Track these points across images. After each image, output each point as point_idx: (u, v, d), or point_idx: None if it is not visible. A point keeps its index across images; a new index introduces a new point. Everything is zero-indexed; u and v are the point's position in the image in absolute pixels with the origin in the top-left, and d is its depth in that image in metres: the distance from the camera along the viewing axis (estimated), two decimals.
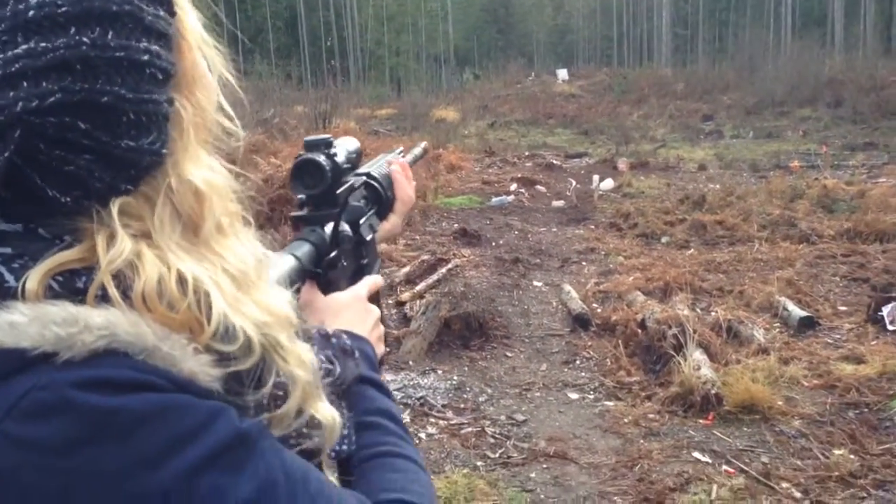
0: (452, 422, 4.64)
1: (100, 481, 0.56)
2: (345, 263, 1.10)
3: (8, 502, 0.56)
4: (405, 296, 6.64)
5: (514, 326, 6.24)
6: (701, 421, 4.49)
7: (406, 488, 0.83)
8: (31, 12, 0.57)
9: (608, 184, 12.53)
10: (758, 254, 7.90)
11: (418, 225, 9.71)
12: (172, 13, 0.67)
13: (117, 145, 0.62)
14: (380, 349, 1.06)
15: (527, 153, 17.31)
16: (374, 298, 1.14)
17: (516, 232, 9.70)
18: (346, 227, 1.10)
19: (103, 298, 0.60)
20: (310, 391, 0.73)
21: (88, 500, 0.56)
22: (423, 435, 4.45)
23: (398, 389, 5.02)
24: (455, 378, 5.24)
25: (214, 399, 0.63)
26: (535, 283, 7.53)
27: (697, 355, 4.96)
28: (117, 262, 0.61)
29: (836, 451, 4.05)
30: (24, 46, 0.57)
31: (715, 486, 3.79)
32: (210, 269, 0.67)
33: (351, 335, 0.98)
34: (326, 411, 0.76)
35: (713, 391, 4.58)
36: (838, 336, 5.69)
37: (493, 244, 9.03)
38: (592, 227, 9.98)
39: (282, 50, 49.45)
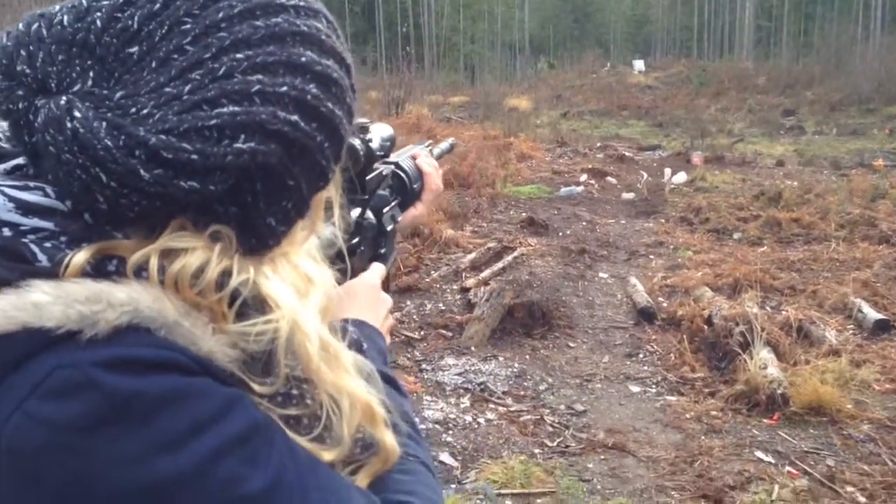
0: (512, 408, 4.66)
1: (118, 462, 0.57)
2: (363, 249, 1.11)
3: (29, 480, 0.57)
4: (470, 282, 6.67)
5: (578, 317, 6.21)
6: (765, 420, 4.41)
7: (415, 491, 0.83)
8: (311, 92, 0.67)
9: (681, 177, 12.29)
10: (834, 253, 7.67)
11: (486, 212, 9.72)
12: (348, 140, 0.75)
13: (263, 218, 0.68)
14: (387, 340, 1.06)
15: (599, 144, 17.10)
16: (384, 286, 1.15)
17: (584, 223, 9.62)
18: (370, 215, 1.11)
19: (118, 275, 0.62)
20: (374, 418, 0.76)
21: (106, 480, 0.57)
22: (482, 420, 4.48)
23: (459, 374, 5.06)
24: (516, 365, 5.25)
25: (231, 380, 0.64)
26: (601, 274, 7.48)
27: (765, 354, 4.86)
28: (175, 243, 0.63)
29: None
30: (295, 118, 0.65)
31: (777, 487, 3.72)
32: (305, 314, 0.69)
33: (362, 325, 0.98)
34: (390, 440, 0.77)
35: (779, 391, 4.49)
36: None
37: (561, 234, 8.98)
38: (662, 220, 9.83)
39: (358, 35, 49.92)
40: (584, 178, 12.48)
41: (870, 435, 4.20)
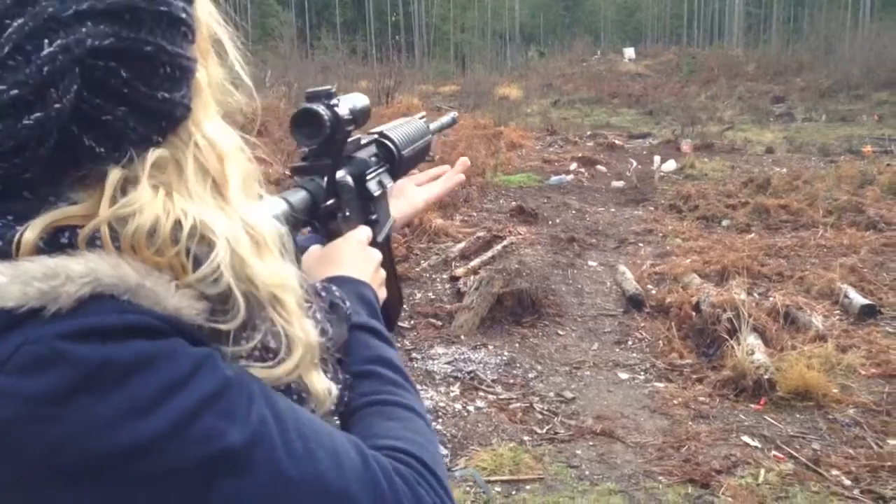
0: (501, 396, 4.69)
1: (95, 428, 0.57)
2: (347, 214, 1.10)
3: (5, 455, 0.57)
4: (459, 271, 6.69)
5: (567, 305, 6.24)
6: (752, 406, 4.45)
7: (400, 436, 0.82)
8: None
9: (670, 165, 12.33)
10: (821, 240, 7.72)
11: (476, 201, 9.73)
12: None
13: (153, 96, 0.65)
14: (382, 294, 1.07)
15: (589, 133, 17.12)
16: (383, 247, 1.15)
17: (573, 211, 9.65)
18: (346, 176, 1.10)
19: (70, 247, 0.61)
20: (308, 361, 0.74)
21: (85, 447, 0.57)
22: (471, 408, 4.51)
23: (449, 363, 5.09)
24: (506, 354, 5.27)
25: (200, 333, 0.65)
26: (590, 262, 7.51)
27: (752, 340, 4.90)
28: (123, 210, 0.63)
29: (891, 441, 3.98)
30: None
31: (763, 471, 3.77)
32: (231, 225, 0.68)
33: (349, 280, 0.98)
34: (320, 384, 0.76)
35: (766, 376, 4.52)
36: None
37: (550, 223, 9.01)
38: (651, 208, 9.87)
39: (348, 24, 49.76)
40: (573, 166, 12.50)
41: (855, 419, 4.24)
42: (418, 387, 3.90)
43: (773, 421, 4.27)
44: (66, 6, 0.60)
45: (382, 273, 1.10)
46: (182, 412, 0.60)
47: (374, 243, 1.13)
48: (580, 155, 13.47)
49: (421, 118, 1.46)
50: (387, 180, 1.24)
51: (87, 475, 0.58)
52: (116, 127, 0.64)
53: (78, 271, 0.59)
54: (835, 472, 3.75)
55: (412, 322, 5.82)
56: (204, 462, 0.60)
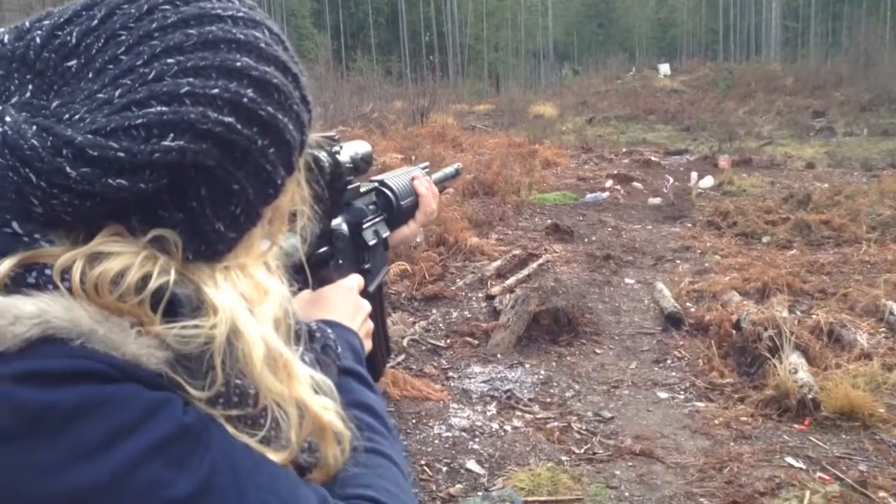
0: (538, 416, 4.65)
1: (35, 472, 0.56)
2: (340, 262, 1.10)
3: None
4: (495, 289, 6.67)
5: (604, 323, 6.18)
6: (796, 426, 4.35)
7: (373, 484, 0.82)
8: (248, 95, 0.67)
9: (708, 181, 12.21)
10: (865, 255, 7.56)
11: (511, 220, 9.71)
12: (301, 152, 0.76)
13: (211, 223, 0.68)
14: (367, 345, 1.07)
15: (624, 150, 17.05)
16: (374, 297, 1.15)
17: (610, 229, 9.58)
18: (342, 224, 1.10)
19: (36, 287, 0.61)
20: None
21: (24, 491, 0.56)
22: (508, 427, 4.48)
23: (486, 382, 5.06)
24: (542, 372, 5.23)
25: (162, 381, 0.63)
26: (627, 280, 7.44)
27: (795, 358, 4.80)
28: (100, 247, 0.62)
29: None
30: (229, 119, 0.65)
31: (808, 493, 3.67)
32: (249, 320, 0.69)
33: (337, 326, 0.99)
34: (333, 457, 0.77)
35: (810, 396, 4.43)
36: None
37: (586, 240, 8.95)
38: (689, 225, 9.76)
39: (382, 45, 50.29)
40: (609, 183, 12.44)
41: None
42: (455, 405, 3.87)
43: (817, 441, 4.18)
44: (206, 119, 0.64)
45: (370, 324, 1.09)
46: (125, 460, 0.58)
47: (365, 293, 1.13)
48: (615, 172, 13.40)
49: (424, 168, 1.46)
50: (383, 230, 1.24)
51: None
52: (163, 223, 0.66)
53: (28, 311, 0.59)
54: (882, 493, 3.65)
55: (448, 341, 5.80)
56: None
